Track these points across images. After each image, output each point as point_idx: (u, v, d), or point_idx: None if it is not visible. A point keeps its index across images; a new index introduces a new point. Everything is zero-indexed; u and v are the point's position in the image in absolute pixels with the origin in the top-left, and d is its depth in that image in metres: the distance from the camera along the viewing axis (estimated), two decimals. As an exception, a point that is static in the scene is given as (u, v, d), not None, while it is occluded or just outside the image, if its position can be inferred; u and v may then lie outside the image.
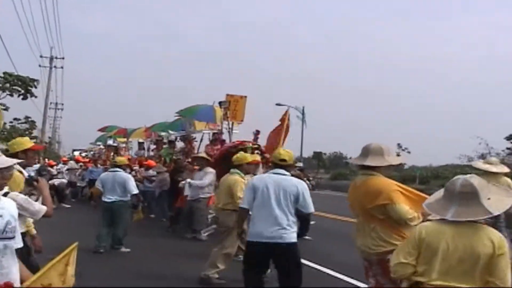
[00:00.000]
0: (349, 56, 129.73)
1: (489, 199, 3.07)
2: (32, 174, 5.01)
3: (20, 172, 5.21)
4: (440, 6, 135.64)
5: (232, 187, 7.31)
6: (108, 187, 9.50)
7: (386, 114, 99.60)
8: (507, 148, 35.66)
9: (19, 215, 4.39)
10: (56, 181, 17.92)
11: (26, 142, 5.51)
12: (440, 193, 3.27)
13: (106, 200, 9.48)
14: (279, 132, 10.82)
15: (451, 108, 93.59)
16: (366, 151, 4.51)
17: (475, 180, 3.11)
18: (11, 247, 3.01)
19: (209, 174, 10.82)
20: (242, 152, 8.33)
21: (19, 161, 3.03)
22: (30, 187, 4.76)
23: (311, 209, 5.52)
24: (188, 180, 11.02)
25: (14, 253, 3.05)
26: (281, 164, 5.62)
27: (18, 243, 3.16)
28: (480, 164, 8.78)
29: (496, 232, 3.05)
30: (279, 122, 11.25)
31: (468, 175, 3.17)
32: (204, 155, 11.61)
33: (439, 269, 3.00)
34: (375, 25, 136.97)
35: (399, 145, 47.58)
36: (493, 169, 8.59)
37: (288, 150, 6.06)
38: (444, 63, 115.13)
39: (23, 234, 4.53)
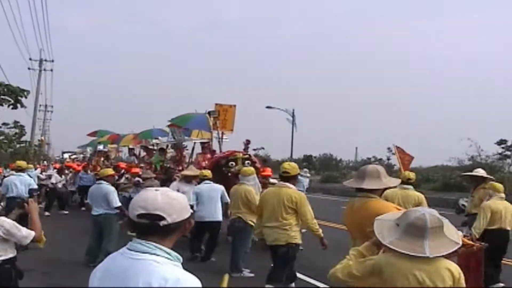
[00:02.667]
0: (337, 57, 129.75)
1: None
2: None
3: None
4: (429, 6, 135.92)
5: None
6: (94, 200, 9.50)
7: (375, 116, 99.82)
8: (498, 153, 35.92)
9: (7, 240, 4.40)
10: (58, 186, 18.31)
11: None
12: (391, 227, 3.19)
13: (93, 213, 9.45)
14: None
15: (440, 109, 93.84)
16: (363, 174, 4.49)
17: (436, 213, 3.12)
18: None
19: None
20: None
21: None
22: (20, 209, 4.73)
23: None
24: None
25: None
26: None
27: None
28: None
29: (453, 264, 3.08)
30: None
31: (427, 209, 3.17)
32: (192, 172, 11.60)
33: None
34: (364, 24, 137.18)
35: (389, 149, 47.61)
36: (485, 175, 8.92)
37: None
38: (435, 63, 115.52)
39: (12, 259, 4.51)
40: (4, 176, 16.03)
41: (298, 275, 8.58)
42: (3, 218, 4.42)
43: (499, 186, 8.34)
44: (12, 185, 11.12)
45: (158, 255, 2.10)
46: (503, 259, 9.00)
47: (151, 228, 2.11)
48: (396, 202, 7.42)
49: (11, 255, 4.49)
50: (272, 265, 7.26)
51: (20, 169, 11.73)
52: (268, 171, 12.35)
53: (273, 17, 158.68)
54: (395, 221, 3.18)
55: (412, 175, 8.74)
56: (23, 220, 4.67)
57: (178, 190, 10.60)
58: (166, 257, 2.11)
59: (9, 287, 4.47)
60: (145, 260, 2.08)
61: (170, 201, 2.13)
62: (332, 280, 3.33)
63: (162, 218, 2.09)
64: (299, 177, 14.29)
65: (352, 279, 3.19)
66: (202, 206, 9.52)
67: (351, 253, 3.39)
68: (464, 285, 3.04)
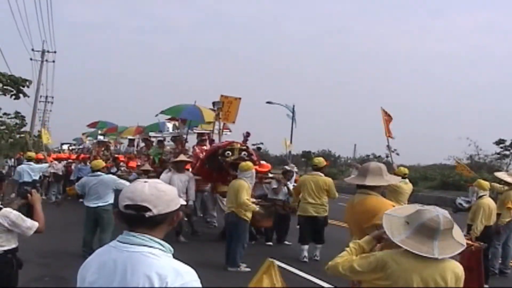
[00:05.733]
0: (338, 54, 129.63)
1: None
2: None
3: None
4: (431, 4, 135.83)
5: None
6: (92, 192, 9.29)
7: (375, 113, 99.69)
8: (497, 153, 36.01)
9: (11, 231, 4.44)
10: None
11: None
12: (401, 224, 3.18)
13: (90, 205, 9.25)
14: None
15: (439, 107, 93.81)
16: (365, 171, 4.52)
17: (448, 214, 3.12)
18: None
19: (192, 179, 11.30)
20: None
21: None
22: (24, 199, 4.74)
23: None
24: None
25: None
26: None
27: None
28: (507, 177, 9.29)
29: (458, 265, 3.10)
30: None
31: (440, 209, 3.13)
32: (184, 158, 11.72)
33: None
34: (364, 22, 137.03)
35: (388, 147, 47.58)
36: None
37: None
38: (435, 62, 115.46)
39: (14, 249, 4.55)
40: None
41: (300, 273, 8.67)
42: (9, 209, 4.43)
43: (486, 184, 8.91)
44: (25, 172, 13.47)
45: (153, 247, 2.12)
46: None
47: (137, 219, 2.13)
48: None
49: (14, 246, 4.50)
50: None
51: (31, 159, 14.35)
52: (267, 167, 12.47)
53: (276, 13, 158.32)
54: (404, 218, 3.18)
55: (406, 170, 10.63)
56: (29, 211, 4.67)
57: (169, 181, 10.68)
58: (160, 249, 2.14)
59: (10, 276, 4.51)
60: (142, 252, 2.10)
61: (157, 193, 2.14)
62: (331, 272, 3.35)
63: (147, 209, 2.10)
64: None
65: (353, 274, 3.22)
66: None
67: (352, 246, 3.41)
68: (462, 285, 3.07)
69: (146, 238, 2.13)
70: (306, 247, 9.68)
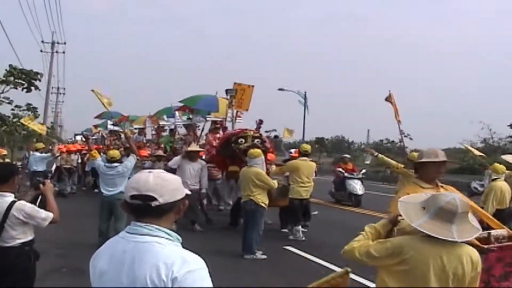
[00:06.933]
0: (349, 39, 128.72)
1: None
2: None
3: None
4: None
5: None
6: (108, 183, 9.37)
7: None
8: (510, 136, 35.75)
9: (27, 223, 4.45)
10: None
11: None
12: (418, 210, 3.14)
13: (106, 193, 9.33)
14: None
15: (453, 91, 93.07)
16: None
17: (465, 197, 3.15)
18: None
19: (205, 167, 11.47)
20: None
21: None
22: (37, 190, 4.74)
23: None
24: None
25: None
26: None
27: None
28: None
29: (474, 250, 3.09)
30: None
31: (452, 194, 3.14)
32: (196, 147, 11.79)
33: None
34: (375, 7, 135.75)
35: (401, 132, 47.37)
36: None
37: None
38: (448, 45, 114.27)
39: (31, 241, 4.57)
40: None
41: (306, 255, 8.71)
42: (23, 202, 4.45)
43: (500, 167, 9.12)
44: (31, 162, 14.98)
45: (159, 236, 2.14)
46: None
47: (144, 209, 2.14)
48: None
49: (30, 238, 4.52)
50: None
51: (37, 150, 15.73)
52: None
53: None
54: (420, 204, 3.16)
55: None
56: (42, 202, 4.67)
57: (178, 166, 10.77)
58: (167, 238, 2.15)
59: (28, 269, 4.52)
60: (149, 242, 2.12)
61: (162, 182, 2.16)
62: (347, 256, 3.35)
63: (153, 198, 2.12)
64: None
65: (369, 259, 3.22)
66: None
67: (367, 230, 3.42)
68: (480, 270, 3.07)
69: (153, 227, 2.15)
70: (300, 227, 10.70)
